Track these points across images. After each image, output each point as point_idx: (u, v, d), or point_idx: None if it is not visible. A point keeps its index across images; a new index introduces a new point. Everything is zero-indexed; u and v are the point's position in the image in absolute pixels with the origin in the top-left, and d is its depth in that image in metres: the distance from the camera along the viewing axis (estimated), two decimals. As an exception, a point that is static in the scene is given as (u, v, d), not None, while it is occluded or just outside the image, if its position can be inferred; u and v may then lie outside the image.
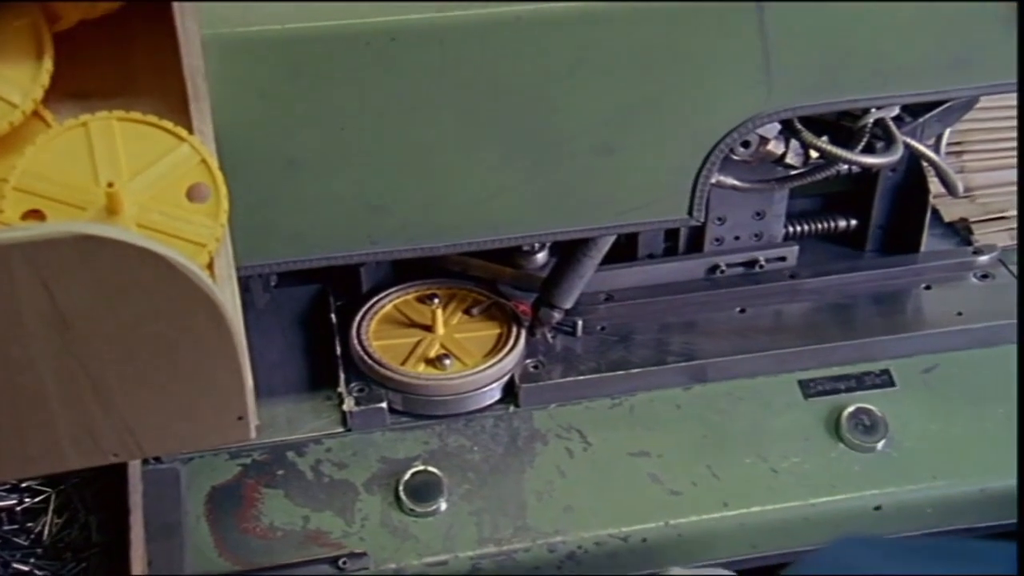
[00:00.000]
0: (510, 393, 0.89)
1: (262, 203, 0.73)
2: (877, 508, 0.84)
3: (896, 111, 0.83)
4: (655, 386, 0.89)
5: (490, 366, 0.88)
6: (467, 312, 0.93)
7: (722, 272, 0.98)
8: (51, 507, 0.95)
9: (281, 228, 0.75)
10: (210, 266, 0.60)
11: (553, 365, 0.90)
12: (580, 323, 0.92)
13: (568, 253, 0.88)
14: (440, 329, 0.91)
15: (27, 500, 0.96)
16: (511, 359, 0.89)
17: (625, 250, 0.97)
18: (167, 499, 0.81)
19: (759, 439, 0.86)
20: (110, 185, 0.58)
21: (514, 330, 0.90)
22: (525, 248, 0.94)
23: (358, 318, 0.91)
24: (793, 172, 0.87)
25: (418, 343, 0.90)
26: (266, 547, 0.79)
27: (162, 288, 0.54)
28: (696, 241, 0.98)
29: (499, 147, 0.75)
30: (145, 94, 0.64)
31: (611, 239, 0.86)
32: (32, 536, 0.94)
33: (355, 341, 0.89)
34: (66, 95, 0.64)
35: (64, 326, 0.55)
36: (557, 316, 0.90)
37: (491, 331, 0.91)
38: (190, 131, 0.62)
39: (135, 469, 0.83)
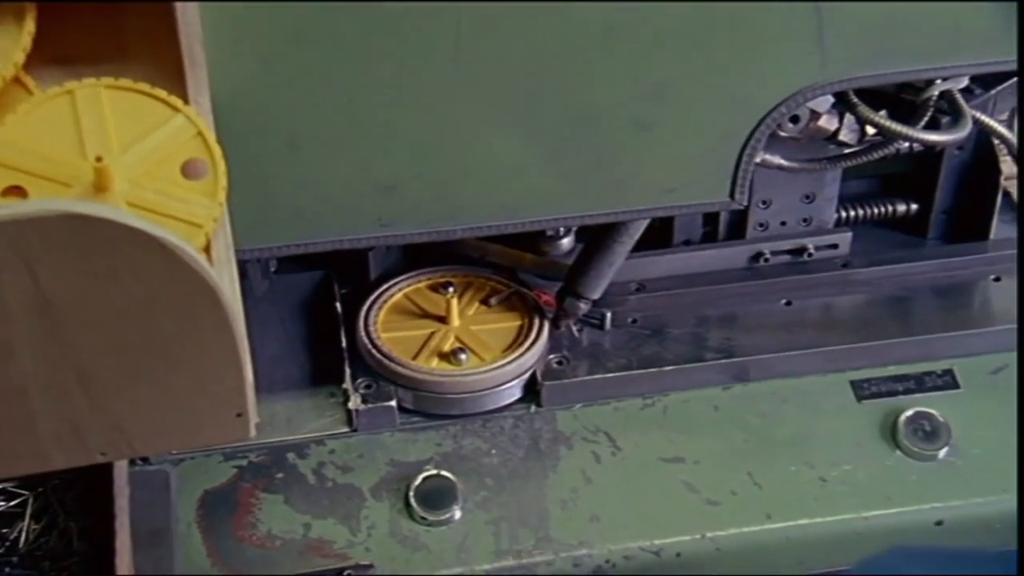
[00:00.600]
0: (531, 391, 0.89)
1: (263, 181, 0.73)
2: (938, 523, 0.84)
3: (965, 82, 0.83)
4: (691, 385, 0.90)
5: (510, 362, 0.88)
6: (485, 302, 0.94)
7: (766, 261, 0.98)
8: (28, 511, 0.97)
9: (283, 208, 0.75)
10: (207, 249, 0.61)
11: (579, 361, 0.90)
12: (609, 315, 0.93)
13: (597, 239, 0.88)
14: (455, 321, 0.91)
15: (2, 504, 0.97)
16: (533, 354, 0.89)
17: (659, 236, 0.97)
18: (156, 504, 0.82)
19: (806, 445, 0.87)
20: (98, 159, 0.59)
21: (536, 322, 0.91)
22: (549, 233, 0.94)
23: (365, 308, 0.92)
24: (847, 150, 0.87)
25: (431, 336, 0.91)
26: (263, 557, 0.80)
27: (155, 272, 0.55)
28: (738, 226, 0.98)
29: (523, 121, 0.75)
30: (137, 60, 0.65)
31: (644, 223, 0.87)
32: (7, 543, 0.95)
33: (362, 333, 0.90)
34: (50, 60, 0.65)
35: (49, 312, 0.55)
36: (584, 307, 0.91)
37: (511, 323, 0.92)
38: (185, 101, 0.63)
39: (121, 471, 0.84)
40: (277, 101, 0.71)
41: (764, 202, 0.97)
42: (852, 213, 1.00)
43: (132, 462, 0.84)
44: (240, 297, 0.60)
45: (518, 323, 0.92)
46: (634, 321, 0.94)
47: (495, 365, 0.88)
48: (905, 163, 0.99)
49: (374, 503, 0.83)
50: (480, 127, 0.75)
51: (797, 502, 0.84)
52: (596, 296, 0.90)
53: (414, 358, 0.89)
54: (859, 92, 0.81)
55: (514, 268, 0.96)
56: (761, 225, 0.98)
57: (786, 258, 0.98)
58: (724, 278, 0.97)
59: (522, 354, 0.89)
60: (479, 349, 0.90)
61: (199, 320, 0.57)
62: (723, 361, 0.90)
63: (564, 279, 0.91)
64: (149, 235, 0.54)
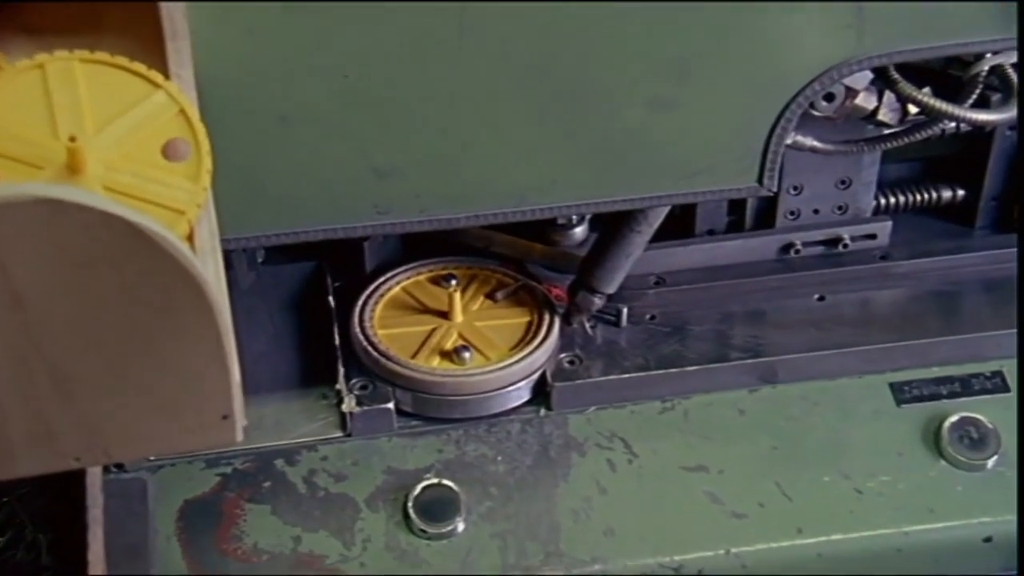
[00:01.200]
0: (541, 393, 0.90)
1: (251, 164, 0.74)
2: (987, 539, 0.84)
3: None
4: (714, 387, 0.90)
5: (517, 361, 0.89)
6: (490, 296, 0.94)
7: (797, 252, 0.98)
8: (-8, 523, 0.97)
9: (272, 194, 0.76)
10: (190, 237, 0.61)
11: (592, 361, 0.91)
12: (625, 311, 0.93)
13: (612, 228, 0.89)
14: (458, 316, 0.92)
15: (-36, 514, 0.98)
16: (542, 353, 0.90)
17: (680, 225, 0.97)
18: (132, 514, 0.83)
19: (841, 453, 0.87)
20: (72, 139, 0.59)
21: (546, 318, 0.91)
22: (561, 221, 0.94)
23: (360, 302, 0.93)
24: (887, 131, 0.87)
25: (431, 332, 0.91)
26: (249, 572, 0.81)
27: (133, 262, 0.55)
28: (767, 215, 0.98)
29: (532, 99, 0.75)
30: (113, 31, 0.65)
31: (664, 211, 0.87)
32: (-29, 557, 0.96)
33: (357, 329, 0.91)
34: (18, 30, 0.65)
35: (18, 305, 0.56)
36: (598, 302, 0.91)
37: (519, 319, 0.92)
38: (166, 76, 0.63)
39: (94, 479, 0.84)
40: (266, 76, 0.71)
41: (795, 188, 0.97)
42: (892, 200, 1.01)
43: (106, 469, 0.85)
44: (226, 289, 0.61)
45: (526, 319, 0.92)
46: (652, 317, 0.94)
47: (501, 365, 0.88)
48: (951, 145, 0.99)
49: (369, 514, 0.84)
50: (485, 105, 0.75)
51: (830, 515, 0.84)
52: (611, 290, 0.91)
53: (413, 357, 0.89)
54: (900, 67, 0.81)
55: (522, 259, 0.96)
56: (792, 213, 0.98)
57: (819, 249, 0.98)
58: (751, 271, 0.97)
59: (531, 353, 0.89)
60: (484, 347, 0.90)
61: (181, 314, 0.57)
62: (749, 361, 0.90)
63: (577, 271, 0.92)
64: (127, 222, 0.54)
